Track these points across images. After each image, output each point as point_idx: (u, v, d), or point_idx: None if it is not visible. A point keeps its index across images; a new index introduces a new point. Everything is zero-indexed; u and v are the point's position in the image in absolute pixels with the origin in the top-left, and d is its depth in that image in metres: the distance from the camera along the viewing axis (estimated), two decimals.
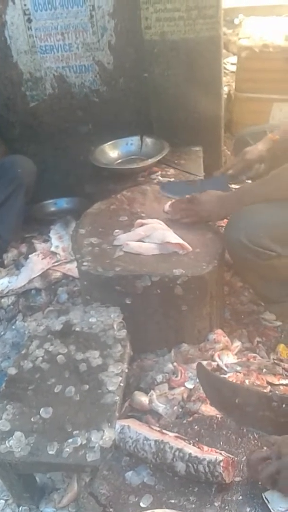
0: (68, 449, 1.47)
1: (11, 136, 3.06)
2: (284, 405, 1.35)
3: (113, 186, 2.57)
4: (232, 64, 4.09)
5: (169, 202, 2.17)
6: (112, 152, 2.85)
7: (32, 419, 1.57)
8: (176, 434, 1.37)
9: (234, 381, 1.71)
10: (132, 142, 2.87)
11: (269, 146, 2.20)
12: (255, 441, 1.39)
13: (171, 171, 2.65)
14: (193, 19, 2.53)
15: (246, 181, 2.30)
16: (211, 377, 1.56)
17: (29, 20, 2.74)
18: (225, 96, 3.35)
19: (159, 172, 2.63)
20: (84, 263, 1.95)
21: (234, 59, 4.04)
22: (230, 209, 1.98)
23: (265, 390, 1.67)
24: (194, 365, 1.85)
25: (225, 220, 2.13)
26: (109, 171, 2.68)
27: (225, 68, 3.88)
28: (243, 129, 2.72)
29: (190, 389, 1.76)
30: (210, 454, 1.27)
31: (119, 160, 2.82)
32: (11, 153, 2.92)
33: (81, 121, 3.01)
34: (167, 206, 2.15)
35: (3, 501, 1.74)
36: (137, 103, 2.89)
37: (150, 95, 2.79)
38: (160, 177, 2.58)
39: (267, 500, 1.19)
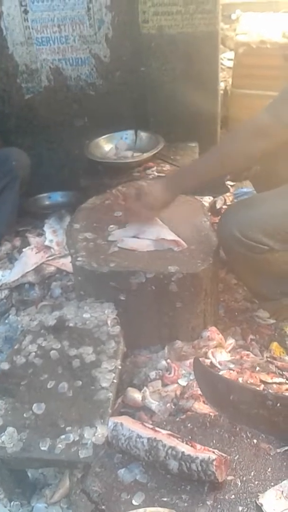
0: (60, 445, 1.47)
1: (6, 128, 3.04)
2: (278, 404, 1.35)
3: (108, 180, 2.56)
4: (229, 59, 4.08)
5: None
6: (106, 146, 2.83)
7: (24, 415, 1.56)
8: (169, 432, 1.37)
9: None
10: (127, 136, 2.86)
11: None
12: (248, 440, 1.39)
13: (167, 166, 2.64)
14: (190, 13, 2.52)
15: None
16: (207, 372, 1.56)
17: (26, 12, 2.72)
18: (222, 92, 3.34)
19: (155, 167, 2.63)
20: (79, 258, 1.94)
21: (231, 54, 4.02)
22: (177, 190, 1.97)
23: (259, 389, 1.67)
24: (188, 362, 1.85)
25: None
26: (103, 165, 2.67)
27: (221, 64, 3.87)
28: (239, 125, 2.71)
29: (184, 386, 1.76)
30: (203, 453, 1.27)
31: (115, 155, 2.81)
32: (6, 146, 2.89)
33: (77, 115, 3.00)
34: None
35: None
36: (133, 97, 2.88)
37: (146, 89, 2.78)
38: (155, 172, 2.57)
39: (261, 504, 1.19)
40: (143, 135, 2.83)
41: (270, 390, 1.69)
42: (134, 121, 2.88)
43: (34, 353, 1.77)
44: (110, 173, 2.62)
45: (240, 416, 1.42)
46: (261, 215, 1.86)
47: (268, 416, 1.38)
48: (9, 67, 2.88)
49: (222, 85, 3.53)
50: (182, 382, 1.78)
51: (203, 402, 1.63)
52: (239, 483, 1.28)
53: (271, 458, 1.33)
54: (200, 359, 1.82)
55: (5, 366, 1.74)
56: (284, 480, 1.26)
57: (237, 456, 1.35)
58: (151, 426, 1.39)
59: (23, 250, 2.66)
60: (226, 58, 4.18)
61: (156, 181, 2.04)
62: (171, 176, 2.05)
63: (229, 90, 3.59)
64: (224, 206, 2.66)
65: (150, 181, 2.05)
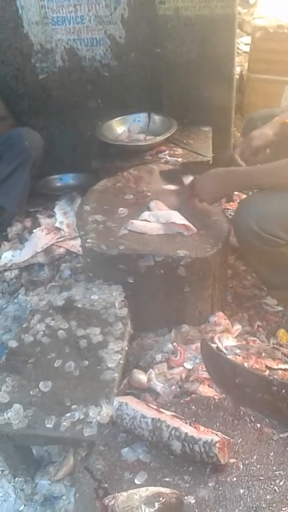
0: (65, 423, 1.49)
1: (19, 109, 3.02)
2: (283, 391, 1.35)
3: (120, 163, 2.54)
4: (246, 44, 4.02)
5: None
6: (119, 128, 2.82)
7: (31, 392, 1.58)
8: (173, 413, 1.38)
9: None
10: (140, 119, 2.84)
11: (276, 130, 2.16)
12: (251, 424, 1.40)
13: (179, 150, 2.62)
14: None
15: None
16: (214, 354, 1.57)
17: None
18: (237, 76, 3.30)
19: (167, 151, 2.60)
20: (88, 240, 1.94)
21: (247, 39, 3.97)
22: (231, 188, 1.97)
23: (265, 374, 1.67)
24: (194, 346, 1.86)
25: (233, 203, 2.11)
26: (115, 148, 2.66)
27: (238, 48, 3.82)
28: (254, 111, 2.68)
29: (189, 370, 1.77)
30: (206, 435, 1.28)
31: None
32: (19, 126, 2.88)
33: (90, 96, 2.97)
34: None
35: None
36: (147, 79, 2.85)
37: (161, 71, 2.74)
38: (168, 156, 2.55)
39: None
40: (156, 118, 2.80)
41: (275, 376, 1.69)
42: (148, 103, 2.85)
43: (42, 332, 1.79)
44: (122, 155, 2.61)
45: (244, 399, 1.43)
46: (280, 209, 1.85)
47: (272, 401, 1.39)
48: (23, 46, 2.86)
49: (238, 69, 3.49)
50: (188, 365, 1.79)
51: (208, 385, 1.64)
52: (241, 466, 1.29)
53: (274, 443, 1.34)
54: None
55: (13, 344, 1.76)
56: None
57: (240, 439, 1.36)
58: (155, 407, 1.40)
59: (34, 231, 2.67)
60: (243, 43, 4.13)
61: (211, 173, 2.00)
62: (232, 173, 1.98)
63: (245, 75, 3.55)
64: (236, 192, 2.64)
65: (205, 173, 2.02)
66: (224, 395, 1.50)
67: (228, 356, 1.79)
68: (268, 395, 1.39)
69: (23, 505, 1.68)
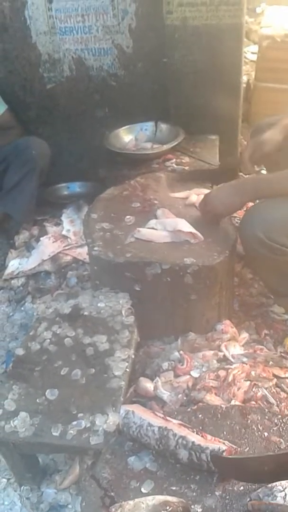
0: (72, 432, 1.48)
1: (27, 118, 3.05)
2: None
3: (127, 171, 2.56)
4: (253, 53, 4.04)
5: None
6: (126, 137, 2.83)
7: (37, 400, 1.58)
8: (180, 422, 1.38)
9: (240, 373, 1.71)
10: (147, 128, 2.85)
11: (286, 134, 2.16)
12: (259, 433, 1.39)
13: (186, 159, 2.62)
14: (215, 5, 2.50)
15: (262, 171, 2.26)
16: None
17: (50, 1, 2.72)
18: (244, 85, 3.31)
19: (174, 160, 2.61)
20: (95, 248, 1.94)
21: (254, 48, 3.99)
22: (246, 197, 1.93)
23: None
24: (201, 354, 1.86)
25: (240, 211, 2.10)
26: (123, 156, 2.67)
27: (245, 57, 3.83)
28: (261, 119, 2.68)
29: (196, 378, 1.76)
30: (213, 443, 1.27)
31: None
32: (26, 135, 2.91)
33: (98, 105, 3.00)
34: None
35: (5, 480, 1.76)
36: (155, 89, 2.86)
37: (168, 80, 2.76)
38: (174, 165, 2.56)
39: None
40: (163, 126, 2.82)
41: (283, 385, 1.69)
42: (155, 112, 2.86)
43: (48, 340, 1.79)
44: (129, 164, 2.62)
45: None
46: (286, 218, 1.84)
47: None
48: (31, 56, 2.89)
49: (245, 78, 3.50)
50: (195, 373, 1.78)
51: (215, 394, 1.63)
52: None
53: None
54: (213, 351, 1.82)
55: (20, 352, 1.76)
56: None
57: (248, 448, 1.35)
58: (162, 415, 1.40)
59: (41, 239, 2.68)
60: (250, 52, 4.14)
61: (223, 186, 2.00)
62: (244, 183, 1.99)
63: (252, 84, 3.56)
64: None
65: (218, 188, 2.02)
66: None
67: (235, 365, 1.77)
68: None
69: None
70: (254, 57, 3.84)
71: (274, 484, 1.14)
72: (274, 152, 2.16)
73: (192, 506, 1.21)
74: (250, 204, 2.05)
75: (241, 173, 2.30)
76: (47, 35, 2.83)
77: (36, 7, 2.74)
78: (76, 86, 2.97)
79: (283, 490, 1.12)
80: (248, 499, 1.18)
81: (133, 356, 1.75)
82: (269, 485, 1.15)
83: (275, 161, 2.20)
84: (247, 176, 2.06)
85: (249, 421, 1.42)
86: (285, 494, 1.11)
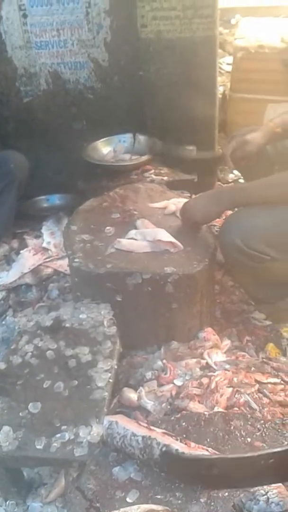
0: (56, 444, 1.47)
1: (4, 132, 3.06)
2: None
3: (105, 183, 2.58)
4: (228, 64, 4.10)
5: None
6: (105, 149, 2.85)
7: (20, 414, 1.57)
8: (164, 431, 1.38)
9: (222, 379, 1.72)
10: (125, 140, 2.88)
11: (270, 136, 2.21)
12: (242, 438, 1.40)
13: (165, 169, 2.65)
14: (189, 18, 2.54)
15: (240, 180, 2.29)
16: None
17: (25, 16, 2.74)
18: (220, 96, 3.36)
19: (153, 170, 2.64)
20: (76, 260, 1.95)
21: (230, 59, 4.05)
22: (223, 206, 1.96)
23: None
24: (184, 362, 1.87)
25: (219, 220, 2.13)
26: (101, 168, 2.69)
27: (220, 68, 3.90)
28: (237, 129, 2.73)
29: (179, 386, 1.76)
30: (196, 451, 1.28)
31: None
32: (4, 149, 2.90)
33: (75, 118, 3.01)
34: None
35: None
36: (131, 101, 2.89)
37: (144, 93, 2.79)
38: (153, 175, 2.59)
39: None
40: (141, 138, 2.85)
41: (265, 390, 1.70)
42: (132, 124, 2.89)
43: (30, 353, 1.78)
44: (108, 176, 2.64)
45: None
46: (265, 225, 1.86)
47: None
48: (8, 70, 2.90)
49: (221, 89, 3.55)
50: (178, 382, 1.79)
51: (198, 401, 1.64)
52: None
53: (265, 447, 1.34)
54: (196, 359, 1.83)
55: (2, 366, 1.75)
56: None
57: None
58: (145, 425, 1.40)
59: (21, 252, 2.67)
60: (225, 63, 4.21)
61: (201, 195, 2.03)
62: (222, 192, 2.03)
63: (228, 94, 3.62)
64: None
65: (196, 197, 2.04)
66: None
67: (218, 372, 1.79)
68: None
69: None
70: (229, 68, 3.90)
71: (256, 488, 1.15)
72: (254, 154, 2.20)
73: None
74: (229, 212, 2.08)
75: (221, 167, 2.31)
76: (23, 49, 2.84)
77: (11, 21, 2.76)
78: (53, 100, 2.98)
79: (265, 494, 1.13)
80: (232, 504, 1.18)
81: (116, 367, 1.74)
82: (252, 490, 1.16)
83: (252, 166, 2.24)
84: (224, 185, 2.10)
85: (232, 427, 1.43)
86: (267, 498, 1.12)
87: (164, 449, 1.29)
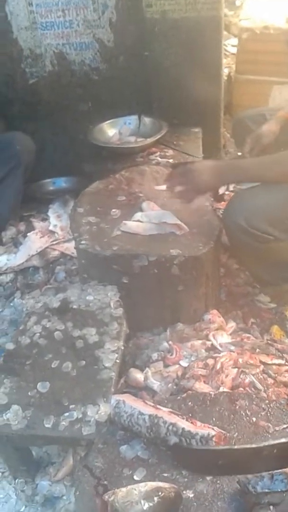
0: (64, 423, 1.50)
1: (10, 113, 3.04)
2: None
3: (111, 165, 2.57)
4: (233, 46, 4.06)
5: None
6: (110, 131, 2.84)
7: (29, 393, 1.60)
8: (170, 410, 1.40)
9: (227, 360, 1.74)
10: (131, 122, 2.86)
11: (282, 124, 2.20)
12: (247, 418, 1.42)
13: (170, 152, 2.65)
14: None
15: None
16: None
17: None
18: (225, 78, 3.33)
19: (158, 153, 2.63)
20: (82, 242, 1.96)
21: (235, 41, 4.01)
22: (225, 179, 1.96)
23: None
24: (189, 344, 1.89)
25: (223, 202, 2.13)
26: (107, 150, 2.68)
27: (225, 50, 3.85)
28: (242, 111, 2.72)
29: (185, 367, 1.79)
30: (202, 429, 1.30)
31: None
32: (10, 131, 2.90)
33: (81, 99, 3.00)
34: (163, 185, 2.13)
35: None
36: (137, 82, 2.87)
37: (150, 74, 2.78)
38: (159, 158, 2.58)
39: None
40: (146, 120, 2.83)
41: (270, 371, 1.72)
42: (138, 106, 2.88)
43: (38, 334, 1.80)
44: (113, 158, 2.63)
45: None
46: (268, 205, 1.86)
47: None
48: (13, 51, 2.88)
49: (226, 71, 3.52)
50: (184, 363, 1.81)
51: (204, 381, 1.66)
52: None
53: (269, 436, 1.36)
54: (202, 341, 1.86)
55: (11, 346, 1.77)
56: None
57: (236, 433, 1.38)
58: (152, 404, 1.42)
59: (28, 234, 2.69)
60: (230, 45, 4.16)
61: (205, 163, 2.00)
62: (225, 165, 2.01)
63: (233, 76, 3.59)
64: (227, 192, 2.67)
65: (200, 162, 2.01)
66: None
67: (223, 353, 1.80)
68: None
69: (24, 506, 1.69)
70: (234, 50, 3.86)
71: None
72: (271, 145, 2.19)
73: (184, 492, 1.24)
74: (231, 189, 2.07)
75: None
76: (28, 30, 2.82)
77: (17, 2, 2.73)
78: (59, 81, 2.97)
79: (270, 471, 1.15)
80: (237, 480, 1.21)
81: (122, 348, 1.77)
82: None
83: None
84: (228, 160, 2.10)
85: (237, 407, 1.45)
86: (272, 475, 1.14)
87: (173, 440, 1.31)
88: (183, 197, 2.00)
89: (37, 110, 3.05)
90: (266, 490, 1.14)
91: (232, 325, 2.05)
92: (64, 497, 1.69)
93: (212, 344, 1.88)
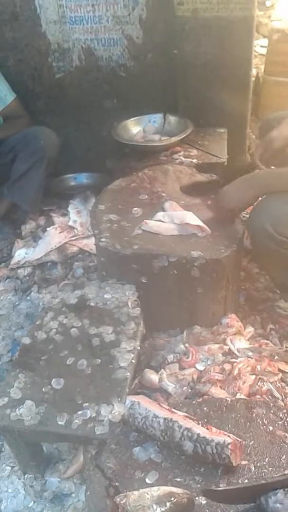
0: (77, 421, 1.49)
1: (35, 107, 3.04)
2: None
3: (134, 163, 2.55)
4: (262, 46, 4.02)
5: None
6: (134, 128, 2.82)
7: (43, 389, 1.59)
8: (185, 414, 1.38)
9: (245, 366, 1.71)
10: (155, 120, 2.84)
11: None
12: (264, 426, 1.40)
13: (194, 151, 2.62)
14: None
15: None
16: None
17: None
18: (253, 79, 3.29)
19: (182, 152, 2.60)
20: (102, 239, 1.94)
21: (263, 41, 3.97)
22: (258, 191, 1.92)
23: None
24: (206, 347, 1.86)
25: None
26: (131, 148, 2.66)
27: (254, 51, 3.80)
28: (270, 113, 2.67)
29: (201, 371, 1.76)
30: (218, 436, 1.28)
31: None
32: (35, 125, 2.90)
33: (107, 96, 2.98)
34: None
35: (9, 468, 1.78)
36: (164, 80, 2.85)
37: (178, 72, 2.75)
38: (182, 157, 2.55)
39: None
40: (171, 118, 2.81)
41: None
42: (164, 104, 2.85)
43: (55, 330, 1.80)
44: (136, 156, 2.61)
45: None
46: None
47: None
48: (41, 45, 2.88)
49: (254, 72, 3.48)
50: (200, 366, 1.78)
51: (220, 387, 1.64)
52: (253, 468, 1.29)
53: (286, 446, 1.34)
54: (219, 345, 1.82)
55: (27, 340, 1.77)
56: None
57: (252, 441, 1.36)
58: (167, 407, 1.40)
59: (47, 229, 2.68)
60: (259, 45, 4.12)
61: (234, 182, 1.98)
62: (256, 176, 1.98)
63: (261, 77, 3.54)
64: None
65: (230, 183, 2.01)
66: None
67: (240, 359, 1.77)
68: None
69: (32, 502, 1.69)
70: (263, 51, 3.82)
71: None
72: (284, 148, 2.15)
73: (197, 498, 1.22)
74: None
75: None
76: (57, 24, 2.81)
77: None
78: (85, 76, 2.95)
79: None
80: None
81: (138, 348, 1.75)
82: None
83: (284, 160, 2.19)
84: (259, 170, 2.06)
85: (254, 415, 1.43)
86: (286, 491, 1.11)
87: (188, 445, 1.28)
88: (227, 221, 2.01)
89: (62, 105, 3.05)
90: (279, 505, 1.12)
91: (250, 330, 2.03)
92: (73, 495, 1.68)
93: (229, 349, 1.85)
